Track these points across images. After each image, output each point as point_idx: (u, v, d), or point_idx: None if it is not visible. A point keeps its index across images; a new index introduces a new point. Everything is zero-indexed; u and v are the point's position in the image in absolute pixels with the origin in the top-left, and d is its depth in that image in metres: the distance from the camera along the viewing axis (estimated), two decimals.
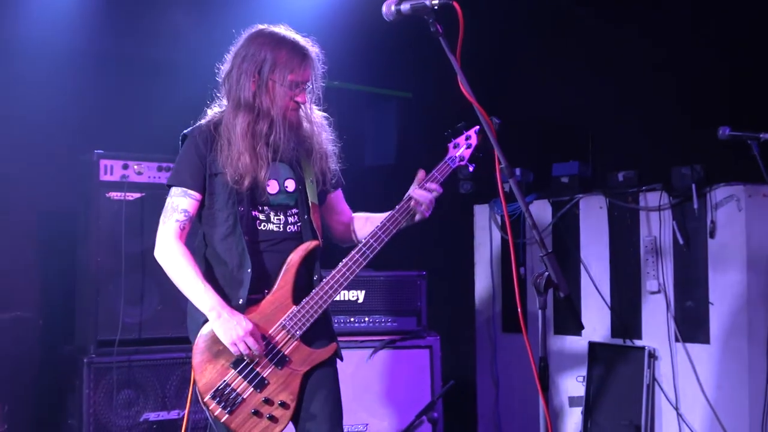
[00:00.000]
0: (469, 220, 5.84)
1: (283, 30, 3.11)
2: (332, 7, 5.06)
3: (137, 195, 4.36)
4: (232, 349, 2.94)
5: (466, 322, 5.84)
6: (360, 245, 3.08)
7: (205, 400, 2.95)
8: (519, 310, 2.67)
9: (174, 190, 3.09)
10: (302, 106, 3.10)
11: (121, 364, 4.25)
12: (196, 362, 3.00)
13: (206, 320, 2.99)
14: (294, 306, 3.02)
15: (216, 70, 3.17)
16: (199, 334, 3.02)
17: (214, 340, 2.97)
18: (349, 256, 3.07)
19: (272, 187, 3.10)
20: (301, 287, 3.07)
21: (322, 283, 3.05)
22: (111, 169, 4.33)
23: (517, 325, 5.48)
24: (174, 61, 5.01)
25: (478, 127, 3.21)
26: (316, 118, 3.18)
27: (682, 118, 4.95)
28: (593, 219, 5.12)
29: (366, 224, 3.26)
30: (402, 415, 4.64)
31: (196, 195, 3.07)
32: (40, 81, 4.60)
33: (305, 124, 3.15)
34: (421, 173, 3.15)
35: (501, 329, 5.60)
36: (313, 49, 3.11)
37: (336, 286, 3.03)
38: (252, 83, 3.03)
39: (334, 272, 3.05)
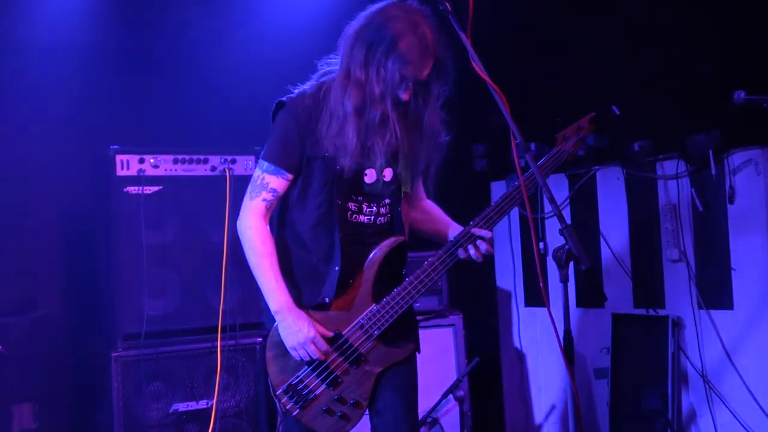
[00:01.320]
0: (485, 198, 5.83)
1: (423, 15, 2.84)
2: None
3: (155, 188, 4.38)
4: (292, 354, 2.89)
5: (488, 299, 5.84)
6: (449, 244, 2.97)
7: (277, 393, 2.92)
8: (541, 284, 2.67)
9: (267, 165, 2.92)
10: (406, 102, 2.87)
11: (149, 357, 4.28)
12: (269, 355, 2.94)
13: None
14: (374, 304, 2.94)
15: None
16: (272, 328, 2.95)
17: None
18: (437, 255, 2.97)
19: (370, 176, 2.97)
20: (384, 284, 2.96)
21: (404, 283, 2.94)
22: (127, 164, 4.35)
23: (538, 299, 5.48)
24: (185, 53, 5.01)
25: (593, 114, 3.11)
26: (430, 118, 2.94)
27: (696, 84, 4.91)
28: (611, 190, 5.10)
29: (425, 217, 3.18)
30: (428, 394, 4.65)
31: (289, 176, 2.92)
32: (53, 80, 4.63)
33: (413, 121, 2.94)
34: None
35: (523, 304, 5.61)
36: (444, 50, 2.87)
37: (420, 286, 2.93)
38: (363, 56, 2.80)
39: (418, 271, 2.94)
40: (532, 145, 5.18)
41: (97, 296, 4.62)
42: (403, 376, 3.03)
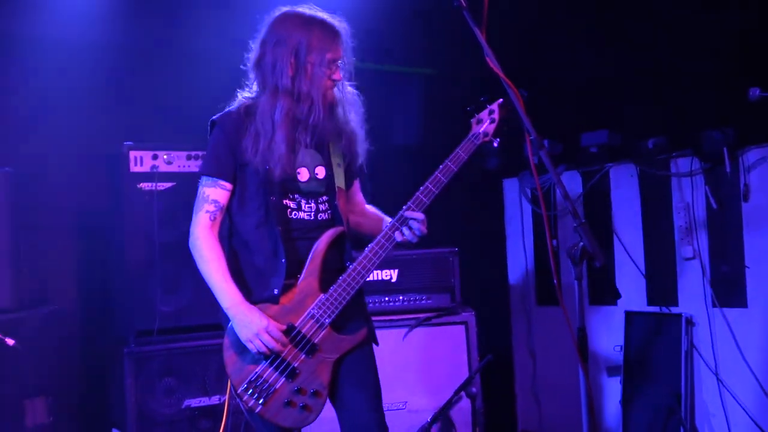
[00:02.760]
0: (497, 195, 5.82)
1: (308, 9, 3.08)
2: None
3: (168, 184, 4.40)
4: (248, 347, 2.97)
5: (501, 296, 5.84)
6: (386, 229, 3.08)
7: (238, 392, 2.99)
8: (556, 282, 2.67)
9: (205, 180, 3.10)
10: (338, 83, 3.08)
11: (161, 353, 4.30)
12: (226, 356, 3.03)
13: None
14: (322, 294, 3.02)
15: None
16: (227, 329, 3.04)
17: None
18: (375, 240, 3.08)
19: (303, 175, 3.10)
20: (330, 274, 3.06)
21: (349, 270, 3.04)
22: (141, 160, 4.36)
23: (551, 297, 5.48)
24: (197, 50, 5.02)
25: (501, 100, 3.17)
26: (348, 96, 3.17)
27: (710, 81, 4.89)
28: (624, 188, 5.08)
29: (366, 220, 3.29)
30: (440, 391, 4.65)
31: (227, 185, 3.08)
32: (67, 77, 4.64)
33: (339, 104, 3.14)
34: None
35: (536, 302, 5.60)
36: (342, 24, 3.08)
37: (363, 271, 3.03)
38: (289, 68, 3.01)
39: (360, 258, 3.05)
40: (545, 142, 5.16)
41: (110, 292, 4.64)
42: (361, 364, 3.11)
